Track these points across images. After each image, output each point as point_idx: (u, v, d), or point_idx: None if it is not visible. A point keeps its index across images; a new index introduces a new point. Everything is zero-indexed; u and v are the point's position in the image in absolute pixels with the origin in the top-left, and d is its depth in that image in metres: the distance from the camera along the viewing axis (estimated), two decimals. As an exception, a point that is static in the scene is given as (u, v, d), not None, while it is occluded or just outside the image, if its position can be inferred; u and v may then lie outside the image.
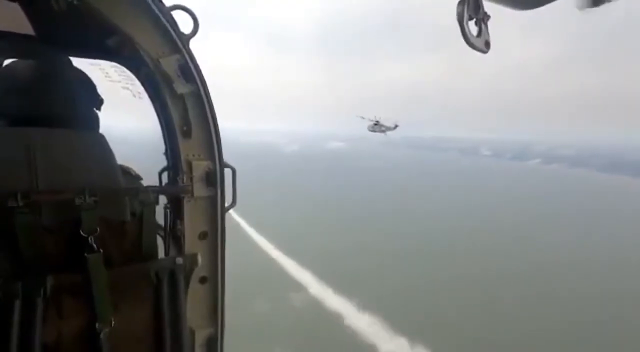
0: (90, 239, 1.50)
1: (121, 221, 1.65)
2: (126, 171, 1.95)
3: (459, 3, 1.26)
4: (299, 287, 30.51)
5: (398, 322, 25.49)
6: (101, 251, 1.51)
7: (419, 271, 34.97)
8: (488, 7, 1.38)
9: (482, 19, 1.31)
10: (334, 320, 26.21)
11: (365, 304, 27.25)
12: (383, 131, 60.56)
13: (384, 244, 41.29)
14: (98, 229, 1.52)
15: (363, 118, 60.15)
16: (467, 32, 1.28)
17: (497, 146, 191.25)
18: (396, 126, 59.93)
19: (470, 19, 1.30)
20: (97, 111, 1.95)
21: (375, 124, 59.99)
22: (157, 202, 1.78)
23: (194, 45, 1.70)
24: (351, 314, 26.56)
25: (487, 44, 1.34)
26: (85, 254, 1.48)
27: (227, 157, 1.90)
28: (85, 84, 1.94)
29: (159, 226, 1.92)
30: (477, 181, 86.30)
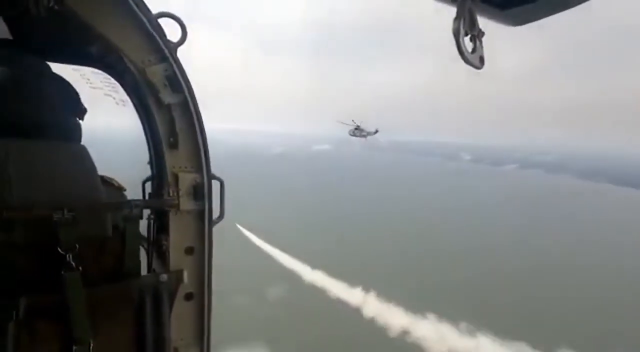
0: (68, 256, 1.42)
1: (102, 237, 1.57)
2: (108, 182, 1.85)
3: (455, 19, 1.25)
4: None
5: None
6: (80, 269, 1.43)
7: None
8: (481, 23, 1.40)
9: (477, 35, 1.31)
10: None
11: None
12: (364, 136, 61.49)
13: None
14: (77, 246, 1.44)
15: (344, 123, 61.04)
16: (463, 48, 1.28)
17: (478, 151, 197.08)
18: (376, 131, 60.96)
19: (466, 34, 1.29)
20: (80, 121, 1.85)
21: (356, 129, 60.91)
22: (140, 217, 1.70)
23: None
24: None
25: (482, 60, 1.34)
26: (63, 273, 1.40)
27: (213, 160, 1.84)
28: (66, 92, 1.83)
29: (143, 239, 1.84)
30: (451, 183, 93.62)
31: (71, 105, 1.81)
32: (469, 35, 1.30)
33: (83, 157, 1.64)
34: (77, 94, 1.86)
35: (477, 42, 1.32)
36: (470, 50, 1.31)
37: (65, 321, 1.39)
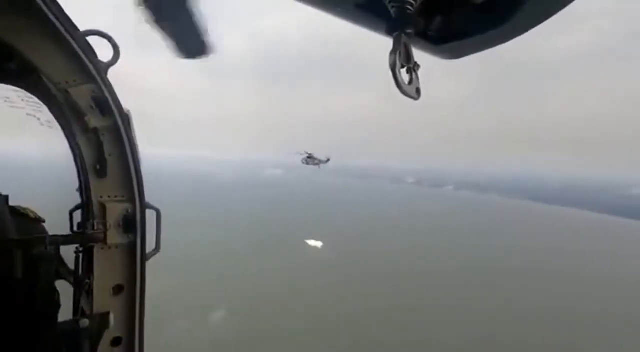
0: None
1: (9, 279, 1.33)
2: (22, 214, 1.60)
3: (391, 53, 1.33)
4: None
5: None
6: None
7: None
8: (418, 56, 1.51)
9: (413, 68, 1.39)
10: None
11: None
12: (316, 164, 63.77)
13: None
14: None
15: (298, 153, 63.05)
16: (400, 80, 1.35)
17: (420, 175, 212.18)
18: (328, 160, 63.68)
19: (402, 67, 1.38)
20: None
21: (309, 157, 62.99)
22: (58, 254, 1.48)
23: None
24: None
25: (418, 91, 1.42)
26: None
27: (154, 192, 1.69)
28: None
29: (70, 276, 1.60)
30: (389, 203, 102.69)
31: None
32: (405, 68, 1.40)
33: None
34: None
35: (413, 75, 1.41)
36: (407, 82, 1.40)
37: None
